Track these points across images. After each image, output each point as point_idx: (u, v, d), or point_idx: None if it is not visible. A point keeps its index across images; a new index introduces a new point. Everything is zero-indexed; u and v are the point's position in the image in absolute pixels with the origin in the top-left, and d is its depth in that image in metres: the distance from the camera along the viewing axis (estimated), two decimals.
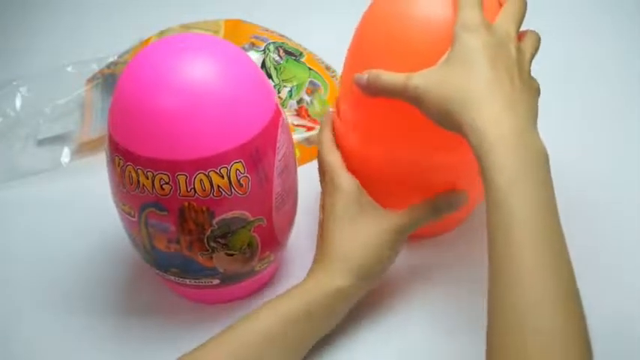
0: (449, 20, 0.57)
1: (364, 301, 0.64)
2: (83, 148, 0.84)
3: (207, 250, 0.59)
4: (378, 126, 0.63)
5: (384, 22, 0.61)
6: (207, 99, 0.54)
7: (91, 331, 0.66)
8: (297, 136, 0.81)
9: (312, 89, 0.84)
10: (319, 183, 0.67)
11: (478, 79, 0.54)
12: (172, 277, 0.62)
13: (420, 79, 0.56)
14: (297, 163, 0.65)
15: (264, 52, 0.84)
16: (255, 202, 0.58)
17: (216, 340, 0.57)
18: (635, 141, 0.82)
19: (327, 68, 0.88)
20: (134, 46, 0.90)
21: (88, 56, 0.93)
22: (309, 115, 0.83)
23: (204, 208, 0.56)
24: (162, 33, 0.88)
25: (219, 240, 0.58)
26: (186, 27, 0.89)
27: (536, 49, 0.59)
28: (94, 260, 0.72)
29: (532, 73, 0.58)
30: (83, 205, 0.77)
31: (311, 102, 0.84)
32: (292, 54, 0.86)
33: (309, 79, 0.85)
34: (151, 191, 0.56)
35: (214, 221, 0.57)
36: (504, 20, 0.57)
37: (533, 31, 0.60)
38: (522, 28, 0.60)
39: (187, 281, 0.62)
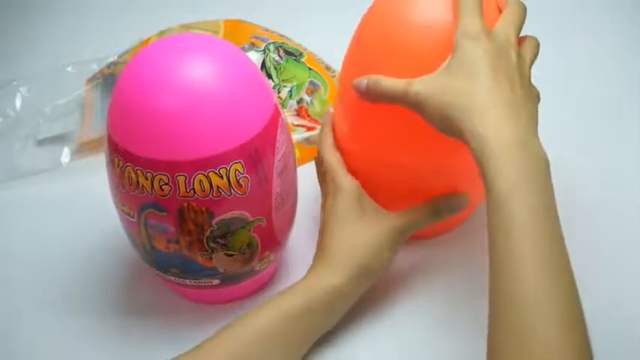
0: (448, 24, 0.57)
1: (365, 298, 0.64)
2: (83, 148, 0.84)
3: (207, 251, 0.59)
4: (377, 129, 0.63)
5: (382, 25, 0.61)
6: (207, 99, 0.54)
7: (91, 331, 0.66)
8: (297, 136, 0.81)
9: (312, 89, 0.84)
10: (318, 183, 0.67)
11: (479, 86, 0.54)
12: (172, 278, 0.62)
13: (421, 86, 0.56)
14: (296, 163, 0.65)
15: (264, 52, 0.84)
16: (254, 202, 0.58)
17: (214, 340, 0.58)
18: (635, 140, 0.82)
19: (327, 68, 0.88)
20: (134, 46, 0.90)
21: (88, 56, 0.93)
22: (309, 115, 0.83)
23: (203, 209, 0.56)
24: (162, 33, 0.88)
25: (219, 240, 0.58)
26: (186, 27, 0.89)
27: (536, 54, 0.59)
28: (93, 260, 0.72)
29: (532, 74, 0.58)
30: (83, 205, 0.77)
31: (311, 102, 0.84)
32: (292, 54, 0.86)
33: (309, 79, 0.85)
34: (150, 192, 0.56)
35: (214, 222, 0.57)
36: (504, 26, 0.57)
37: (532, 37, 0.60)
38: (532, 38, 0.60)
39: (187, 281, 0.62)
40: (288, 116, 0.81)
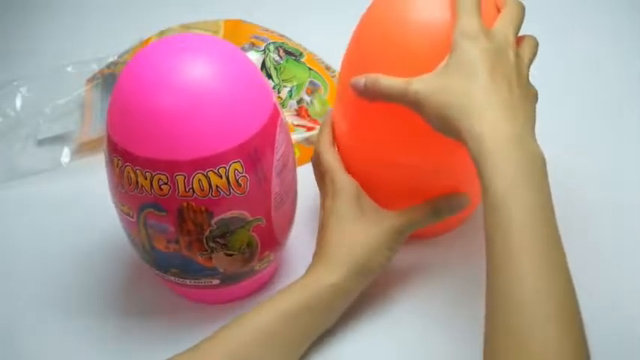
0: (446, 24, 0.57)
1: (365, 297, 0.64)
2: (83, 148, 0.84)
3: (207, 251, 0.59)
4: (376, 128, 0.63)
5: (381, 25, 0.61)
6: (206, 99, 0.54)
7: (91, 332, 0.66)
8: (297, 136, 0.81)
9: (312, 89, 0.84)
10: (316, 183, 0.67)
11: (477, 86, 0.54)
12: (172, 278, 0.62)
13: (420, 85, 0.56)
14: (296, 163, 0.65)
15: (264, 52, 0.84)
16: (253, 201, 0.58)
17: (212, 340, 0.58)
18: (634, 140, 0.82)
19: (327, 68, 0.88)
20: (134, 46, 0.90)
21: (88, 56, 0.93)
22: (309, 115, 0.83)
23: (202, 209, 0.56)
24: (162, 33, 0.88)
25: (219, 240, 0.58)
26: (186, 27, 0.89)
27: (534, 54, 0.59)
28: (93, 260, 0.72)
29: (530, 74, 0.58)
30: (83, 205, 0.77)
31: (311, 102, 0.84)
32: (292, 54, 0.86)
33: (309, 79, 0.85)
34: (149, 191, 0.56)
35: (213, 221, 0.57)
36: (503, 26, 0.58)
37: (531, 36, 0.60)
38: (530, 37, 0.60)
39: (187, 281, 0.62)
40: (288, 116, 0.81)
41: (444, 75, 0.56)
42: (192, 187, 0.55)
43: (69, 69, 0.92)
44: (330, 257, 0.62)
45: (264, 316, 0.59)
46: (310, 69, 0.85)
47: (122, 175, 0.57)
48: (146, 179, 0.55)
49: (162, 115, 0.54)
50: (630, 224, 0.72)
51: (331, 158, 0.66)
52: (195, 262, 0.60)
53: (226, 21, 0.89)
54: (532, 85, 0.58)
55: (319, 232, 0.64)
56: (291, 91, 0.83)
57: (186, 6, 1.04)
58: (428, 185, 0.64)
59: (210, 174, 0.55)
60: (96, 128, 0.84)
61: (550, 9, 0.98)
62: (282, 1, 1.06)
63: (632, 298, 0.66)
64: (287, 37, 0.89)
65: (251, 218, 0.59)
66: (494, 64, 0.55)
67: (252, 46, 0.85)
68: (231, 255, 0.60)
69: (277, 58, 0.84)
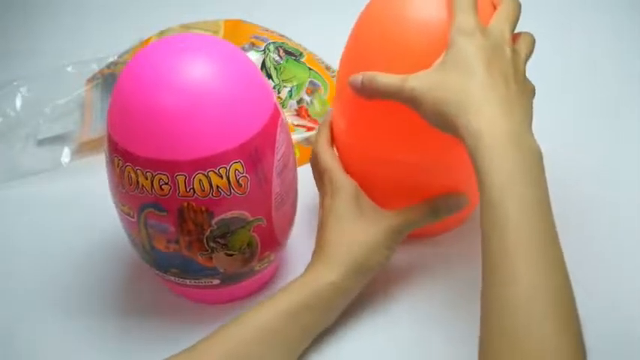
0: (443, 22, 0.58)
1: (364, 296, 0.64)
2: (83, 148, 0.84)
3: (207, 251, 0.59)
4: (374, 126, 0.63)
5: (379, 23, 0.61)
6: (206, 99, 0.54)
7: (91, 332, 0.66)
8: (297, 136, 0.81)
9: (312, 89, 0.84)
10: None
11: (474, 82, 0.54)
12: (172, 278, 0.62)
13: (417, 82, 0.56)
14: (296, 163, 0.65)
15: (264, 52, 0.84)
16: (254, 202, 0.58)
17: (211, 339, 0.58)
18: (631, 138, 0.82)
19: (327, 68, 0.88)
20: (134, 46, 0.90)
21: (88, 56, 0.93)
22: (309, 115, 0.83)
23: (203, 209, 0.56)
24: (162, 33, 0.88)
25: (219, 240, 0.58)
26: (186, 27, 0.89)
27: (531, 50, 0.60)
28: (93, 260, 0.72)
29: (528, 72, 0.58)
30: (83, 205, 0.77)
31: (311, 102, 0.84)
32: (292, 54, 0.86)
33: (309, 79, 0.85)
34: (150, 191, 0.56)
35: (213, 221, 0.57)
36: (499, 22, 0.58)
37: (527, 33, 0.60)
38: (517, 29, 0.60)
39: (187, 281, 0.62)
40: (288, 116, 0.81)
41: (441, 72, 0.56)
42: (193, 187, 0.55)
43: (69, 69, 0.92)
44: (329, 256, 0.62)
45: (263, 315, 0.59)
46: (310, 69, 0.85)
47: (123, 175, 0.57)
48: (147, 179, 0.55)
49: (162, 115, 0.54)
50: (627, 221, 0.72)
51: (329, 158, 0.66)
52: (196, 262, 0.60)
53: (226, 21, 0.89)
54: (529, 81, 0.58)
55: (318, 232, 0.64)
56: (291, 91, 0.83)
57: (186, 6, 1.04)
58: (426, 184, 0.64)
59: (211, 174, 0.55)
60: (96, 128, 0.84)
61: (547, 7, 0.98)
62: (282, 1, 1.06)
63: (630, 296, 0.65)
64: (287, 37, 0.89)
65: (251, 218, 0.59)
66: (491, 60, 0.55)
67: (252, 46, 0.85)
68: (231, 255, 0.60)
69: (277, 58, 0.84)
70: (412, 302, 0.66)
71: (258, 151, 0.57)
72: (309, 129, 0.82)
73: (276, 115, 0.59)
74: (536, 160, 0.52)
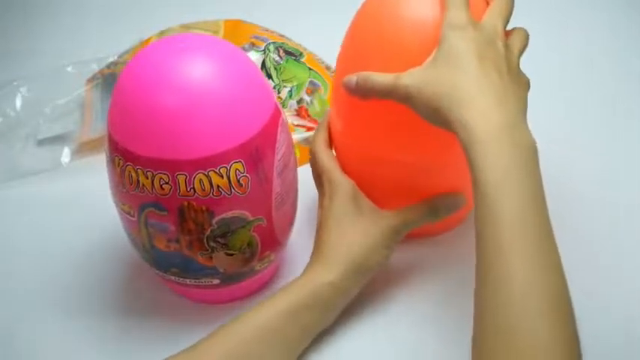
0: (438, 20, 0.58)
1: (364, 296, 0.64)
2: (83, 148, 0.84)
3: (207, 250, 0.59)
4: (371, 126, 0.63)
5: (375, 22, 0.61)
6: (207, 99, 0.54)
7: (91, 332, 0.66)
8: (297, 136, 0.81)
9: (312, 89, 0.84)
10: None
11: (466, 76, 0.54)
12: (172, 277, 0.62)
13: (410, 79, 0.56)
14: (297, 163, 0.65)
15: (264, 52, 0.84)
16: (254, 201, 0.58)
17: (210, 339, 0.58)
18: (628, 136, 0.82)
19: (327, 68, 0.88)
20: (134, 46, 0.90)
21: (88, 56, 0.93)
22: (309, 115, 0.83)
23: (203, 208, 0.56)
24: (162, 33, 0.88)
25: (219, 240, 0.58)
26: (186, 27, 0.89)
27: (525, 45, 0.59)
28: (94, 260, 0.72)
29: (523, 69, 0.58)
30: (83, 205, 0.77)
31: (311, 102, 0.84)
32: (292, 54, 0.86)
33: (309, 79, 0.85)
34: (150, 191, 0.56)
35: (214, 221, 0.57)
36: (491, 17, 0.58)
37: (521, 29, 0.60)
38: (513, 26, 0.60)
39: (187, 281, 0.62)
40: (288, 116, 0.81)
41: (433, 67, 0.56)
42: (194, 187, 0.55)
43: (69, 69, 0.92)
44: (328, 256, 0.62)
45: (263, 314, 0.59)
46: (310, 69, 0.86)
47: (123, 174, 0.57)
48: (147, 178, 0.55)
49: (163, 115, 0.54)
50: (623, 219, 0.72)
51: (326, 158, 0.66)
52: (196, 261, 0.60)
53: (226, 21, 0.89)
54: (524, 74, 0.58)
55: (317, 232, 0.64)
56: (291, 91, 0.83)
57: (186, 6, 1.04)
58: (424, 183, 0.65)
59: (212, 174, 0.55)
60: (96, 128, 0.84)
61: (544, 4, 0.98)
62: (282, 1, 1.06)
63: (633, 297, 0.65)
64: (287, 37, 0.89)
65: (252, 218, 0.59)
66: (483, 53, 0.55)
67: (252, 46, 0.85)
68: (231, 255, 0.60)
69: (277, 58, 0.84)
70: (411, 302, 0.66)
71: (258, 151, 0.57)
72: (309, 129, 0.82)
73: (276, 115, 0.59)
74: (530, 154, 0.51)
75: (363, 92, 0.60)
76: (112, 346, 0.65)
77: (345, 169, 0.66)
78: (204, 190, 0.55)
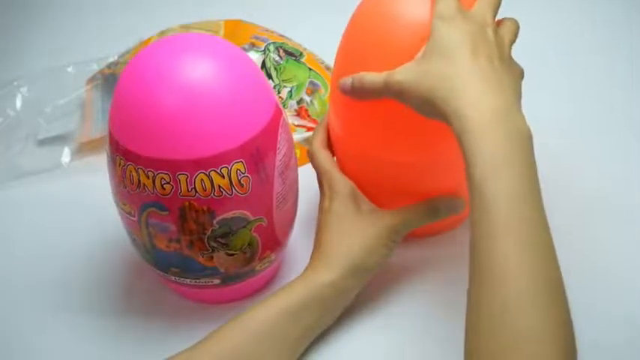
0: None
1: (364, 296, 0.64)
2: (83, 148, 0.84)
3: (208, 250, 0.59)
4: (370, 127, 0.63)
5: (371, 22, 0.61)
6: (208, 99, 0.54)
7: (92, 332, 0.66)
8: (297, 136, 0.81)
9: (312, 89, 0.84)
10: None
11: (458, 66, 0.54)
12: (173, 277, 0.62)
13: (402, 74, 0.56)
14: (297, 163, 0.65)
15: (264, 53, 0.84)
16: (255, 201, 0.58)
17: (210, 339, 0.58)
18: (624, 132, 0.82)
19: (327, 68, 0.88)
20: (134, 46, 0.90)
21: (88, 56, 0.93)
22: (309, 116, 0.83)
23: (204, 208, 0.56)
24: (162, 33, 0.88)
25: (220, 240, 0.58)
26: (186, 27, 0.89)
27: (515, 34, 0.59)
28: (94, 260, 0.72)
29: (522, 67, 0.58)
30: (83, 205, 0.77)
31: (311, 102, 0.84)
32: (292, 54, 0.86)
33: (309, 80, 0.85)
34: (151, 191, 0.56)
35: (215, 221, 0.57)
36: (481, 7, 0.58)
37: (511, 19, 0.60)
38: (511, 19, 0.60)
39: (188, 281, 0.62)
40: (289, 116, 0.81)
41: (424, 60, 0.56)
42: (195, 187, 0.55)
43: (69, 69, 0.92)
44: (328, 256, 0.62)
45: (263, 314, 0.59)
46: (310, 69, 0.86)
47: (124, 174, 0.57)
48: (148, 178, 0.55)
49: (164, 115, 0.54)
50: (620, 215, 0.72)
51: (323, 159, 0.66)
52: (196, 261, 0.60)
53: (226, 21, 0.90)
54: (517, 63, 0.58)
55: (317, 232, 0.64)
56: (291, 91, 0.83)
57: (187, 6, 1.04)
58: (423, 184, 0.65)
59: (213, 174, 0.55)
60: (96, 128, 0.84)
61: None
62: (282, 1, 1.06)
63: (633, 297, 0.66)
64: (287, 37, 0.89)
65: (253, 218, 0.59)
66: (474, 42, 0.55)
67: (252, 46, 0.85)
68: (232, 255, 0.60)
69: (277, 58, 0.84)
70: (411, 302, 0.66)
71: (259, 151, 0.57)
72: (309, 129, 0.82)
73: (277, 115, 0.59)
74: (525, 141, 0.51)
75: (358, 93, 0.60)
76: (112, 346, 0.64)
77: (344, 170, 0.66)
78: (205, 190, 0.55)
